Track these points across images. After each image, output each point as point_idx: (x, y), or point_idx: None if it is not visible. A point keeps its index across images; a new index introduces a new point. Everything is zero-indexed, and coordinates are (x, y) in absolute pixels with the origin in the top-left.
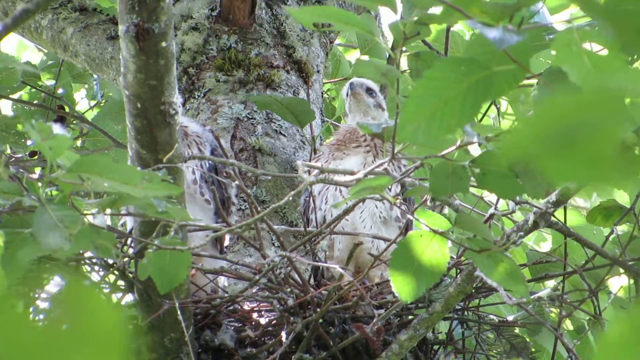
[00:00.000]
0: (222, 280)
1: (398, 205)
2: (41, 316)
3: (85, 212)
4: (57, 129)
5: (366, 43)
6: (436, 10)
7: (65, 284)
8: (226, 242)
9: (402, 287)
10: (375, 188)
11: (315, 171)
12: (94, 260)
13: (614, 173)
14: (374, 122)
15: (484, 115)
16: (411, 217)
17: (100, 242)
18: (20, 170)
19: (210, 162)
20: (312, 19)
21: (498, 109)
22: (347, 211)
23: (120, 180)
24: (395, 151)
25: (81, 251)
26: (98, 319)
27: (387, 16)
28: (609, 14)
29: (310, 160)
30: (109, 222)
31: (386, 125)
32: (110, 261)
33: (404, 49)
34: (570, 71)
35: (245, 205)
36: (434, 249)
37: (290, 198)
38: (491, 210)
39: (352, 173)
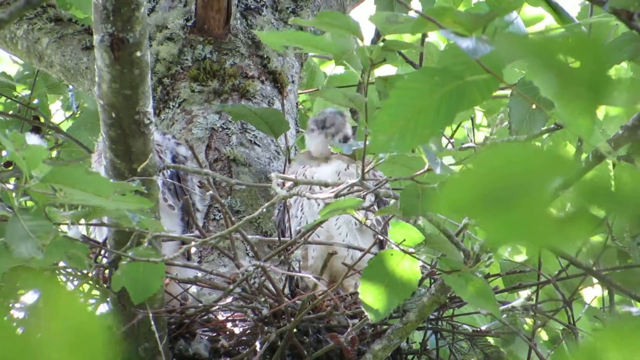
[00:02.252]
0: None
1: (368, 225)
2: (16, 325)
3: (59, 221)
4: (32, 139)
5: (341, 53)
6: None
7: (44, 291)
8: (193, 250)
9: (372, 304)
10: (345, 209)
11: (289, 183)
12: (69, 270)
13: (545, 235)
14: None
15: (459, 126)
16: (381, 237)
17: (73, 252)
18: None
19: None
20: (281, 43)
21: (473, 120)
22: (321, 220)
23: (92, 192)
24: (367, 169)
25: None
26: (78, 326)
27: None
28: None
29: (285, 168)
30: (84, 232)
31: (357, 147)
32: (85, 270)
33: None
34: (541, 86)
35: (220, 215)
36: (405, 268)
37: (265, 210)
38: (465, 220)
39: (326, 185)
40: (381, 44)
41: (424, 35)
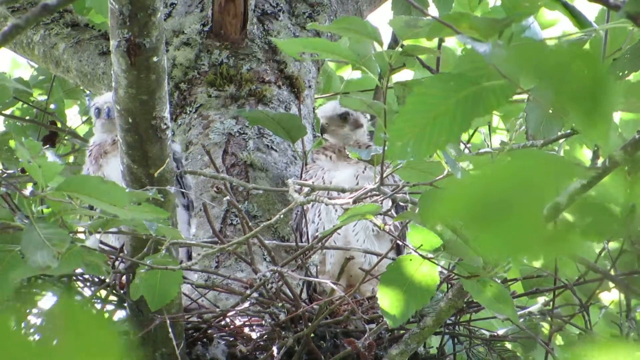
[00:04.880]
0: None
1: (387, 230)
2: (33, 332)
3: (76, 229)
4: (49, 155)
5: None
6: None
7: (58, 299)
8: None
9: (390, 309)
10: (363, 214)
11: (306, 189)
12: (86, 277)
13: (536, 248)
14: (358, 144)
15: (475, 131)
16: (399, 242)
17: (90, 259)
18: (12, 187)
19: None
20: (298, 49)
21: (489, 124)
22: (338, 226)
23: (108, 202)
24: (385, 175)
25: None
26: (92, 334)
27: (380, 19)
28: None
29: (302, 172)
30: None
31: (375, 152)
32: (102, 277)
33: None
34: (557, 97)
35: (237, 220)
36: (424, 273)
37: (282, 215)
38: None
39: (343, 190)
40: (399, 48)
41: (441, 40)
